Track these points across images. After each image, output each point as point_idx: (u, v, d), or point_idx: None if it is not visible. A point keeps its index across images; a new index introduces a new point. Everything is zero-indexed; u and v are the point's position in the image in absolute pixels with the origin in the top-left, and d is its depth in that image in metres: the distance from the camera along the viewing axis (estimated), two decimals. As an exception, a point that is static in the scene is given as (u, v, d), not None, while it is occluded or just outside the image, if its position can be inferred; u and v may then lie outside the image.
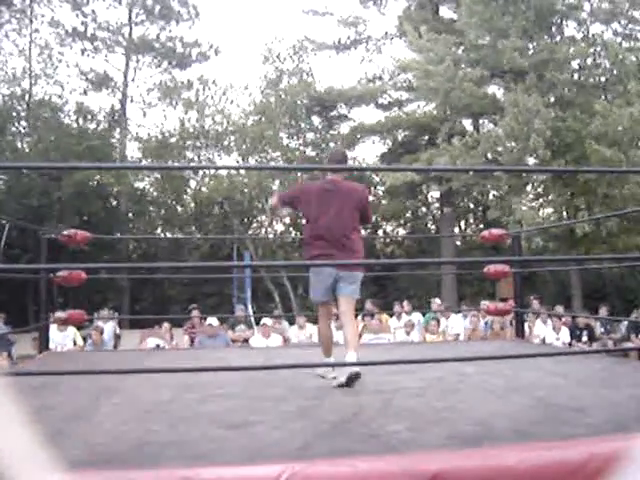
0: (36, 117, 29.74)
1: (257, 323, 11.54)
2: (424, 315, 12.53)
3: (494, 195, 23.84)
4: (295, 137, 28.46)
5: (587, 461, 2.66)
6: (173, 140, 26.86)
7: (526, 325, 9.07)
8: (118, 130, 31.65)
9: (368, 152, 31.04)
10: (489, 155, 20.02)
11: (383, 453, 2.87)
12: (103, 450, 3.03)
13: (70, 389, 4.74)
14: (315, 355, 5.34)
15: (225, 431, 3.40)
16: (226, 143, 26.14)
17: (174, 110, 27.96)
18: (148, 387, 4.77)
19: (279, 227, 29.91)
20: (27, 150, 28.70)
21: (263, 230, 29.05)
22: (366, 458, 2.72)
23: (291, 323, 12.03)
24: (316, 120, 29.77)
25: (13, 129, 30.21)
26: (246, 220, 28.65)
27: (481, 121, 25.32)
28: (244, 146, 25.72)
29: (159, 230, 31.40)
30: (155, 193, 30.45)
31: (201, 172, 26.59)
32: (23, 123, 30.78)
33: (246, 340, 10.91)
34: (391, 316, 12.34)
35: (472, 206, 31.19)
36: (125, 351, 10.06)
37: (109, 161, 27.05)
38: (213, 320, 10.42)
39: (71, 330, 10.51)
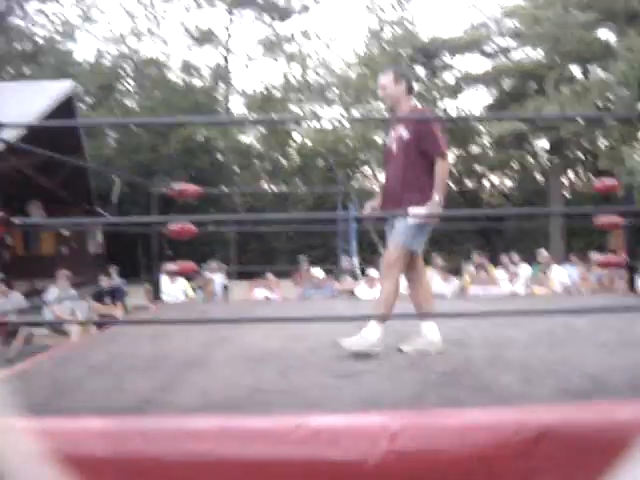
0: (143, 75, 30.41)
1: (362, 274, 11.57)
2: (532, 267, 12.29)
3: (605, 144, 23.06)
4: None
5: None
6: (277, 94, 26.99)
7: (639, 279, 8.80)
8: (222, 85, 32.00)
9: (473, 102, 30.47)
10: (599, 103, 19.33)
11: (493, 404, 2.86)
12: (217, 397, 3.11)
13: (183, 338, 4.89)
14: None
15: (335, 380, 3.44)
16: (329, 95, 26.09)
17: (277, 64, 28.05)
18: (258, 337, 4.86)
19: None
20: (135, 108, 29.41)
21: (367, 181, 28.99)
22: (476, 409, 2.71)
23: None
24: (420, 70, 29.37)
25: (121, 88, 30.99)
26: (350, 172, 28.62)
27: (590, 67, 24.41)
28: (347, 98, 25.63)
29: (264, 183, 31.76)
30: (260, 147, 30.73)
31: (305, 125, 26.67)
32: (131, 81, 31.54)
33: (352, 291, 10.96)
34: (497, 267, 12.16)
35: (581, 156, 30.26)
36: (235, 302, 10.28)
37: (213, 115, 27.40)
38: (318, 271, 10.51)
39: (182, 282, 10.79)
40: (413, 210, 4.16)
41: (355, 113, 25.58)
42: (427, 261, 15.95)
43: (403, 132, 4.38)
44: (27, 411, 2.84)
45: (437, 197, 4.23)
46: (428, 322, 4.32)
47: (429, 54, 28.10)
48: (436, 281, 11.16)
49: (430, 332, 4.30)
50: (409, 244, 4.32)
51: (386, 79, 4.47)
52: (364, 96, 25.23)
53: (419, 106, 4.63)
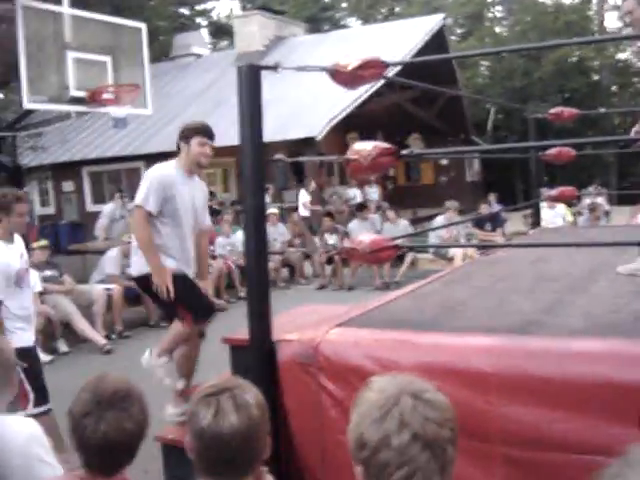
0: (511, 1, 30.07)
1: None
2: None
3: None
4: None
5: None
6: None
7: None
8: (595, 1, 30.45)
9: None
10: None
11: None
12: (601, 320, 3.10)
13: (563, 263, 4.87)
14: None
15: None
16: None
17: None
18: None
19: None
20: (505, 34, 29.24)
21: None
22: None
23: None
24: None
25: (489, 15, 30.93)
26: None
27: None
28: None
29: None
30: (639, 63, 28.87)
31: None
32: (498, 8, 31.34)
33: None
34: None
35: None
36: (616, 226, 9.91)
37: (587, 35, 26.26)
38: None
39: (561, 207, 10.68)
40: None
41: None
42: None
43: None
44: (418, 327, 3.10)
45: None
46: None
47: None
48: None
49: None
50: None
51: (629, 5, 4.10)
52: None
53: None
